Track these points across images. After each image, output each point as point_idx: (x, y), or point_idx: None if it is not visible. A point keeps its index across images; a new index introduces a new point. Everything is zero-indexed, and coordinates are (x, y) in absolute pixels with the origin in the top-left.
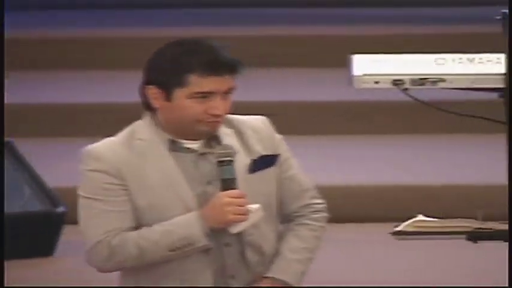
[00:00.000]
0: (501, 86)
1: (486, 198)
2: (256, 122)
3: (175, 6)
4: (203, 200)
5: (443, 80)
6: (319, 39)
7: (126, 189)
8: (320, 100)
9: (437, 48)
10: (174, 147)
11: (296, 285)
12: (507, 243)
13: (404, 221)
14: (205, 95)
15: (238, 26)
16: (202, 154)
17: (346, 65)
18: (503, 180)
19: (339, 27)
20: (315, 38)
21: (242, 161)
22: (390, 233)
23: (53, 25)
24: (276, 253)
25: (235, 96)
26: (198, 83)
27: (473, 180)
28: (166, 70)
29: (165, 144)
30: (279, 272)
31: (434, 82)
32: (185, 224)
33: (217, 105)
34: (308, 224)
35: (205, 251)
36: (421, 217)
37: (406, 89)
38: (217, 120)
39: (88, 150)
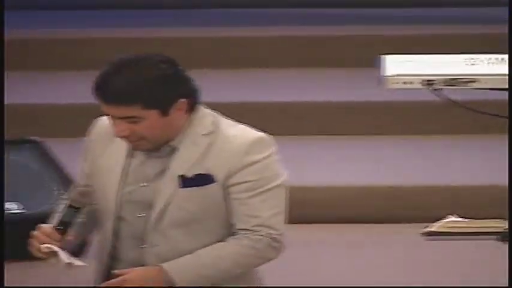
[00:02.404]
0: None
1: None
2: (240, 139)
3: (174, 7)
4: (126, 199)
5: (474, 81)
6: (340, 40)
7: (85, 159)
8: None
9: (467, 48)
10: None
11: (180, 285)
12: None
13: (434, 222)
14: (109, 116)
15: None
16: (149, 157)
17: (373, 65)
18: None
19: (366, 27)
20: (336, 38)
21: (178, 173)
22: (422, 234)
23: (49, 25)
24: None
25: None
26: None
27: (491, 181)
28: None
29: None
30: (170, 264)
31: (466, 82)
32: None
33: (115, 127)
34: (238, 239)
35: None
36: (452, 218)
37: (438, 89)
38: (128, 140)
39: None
